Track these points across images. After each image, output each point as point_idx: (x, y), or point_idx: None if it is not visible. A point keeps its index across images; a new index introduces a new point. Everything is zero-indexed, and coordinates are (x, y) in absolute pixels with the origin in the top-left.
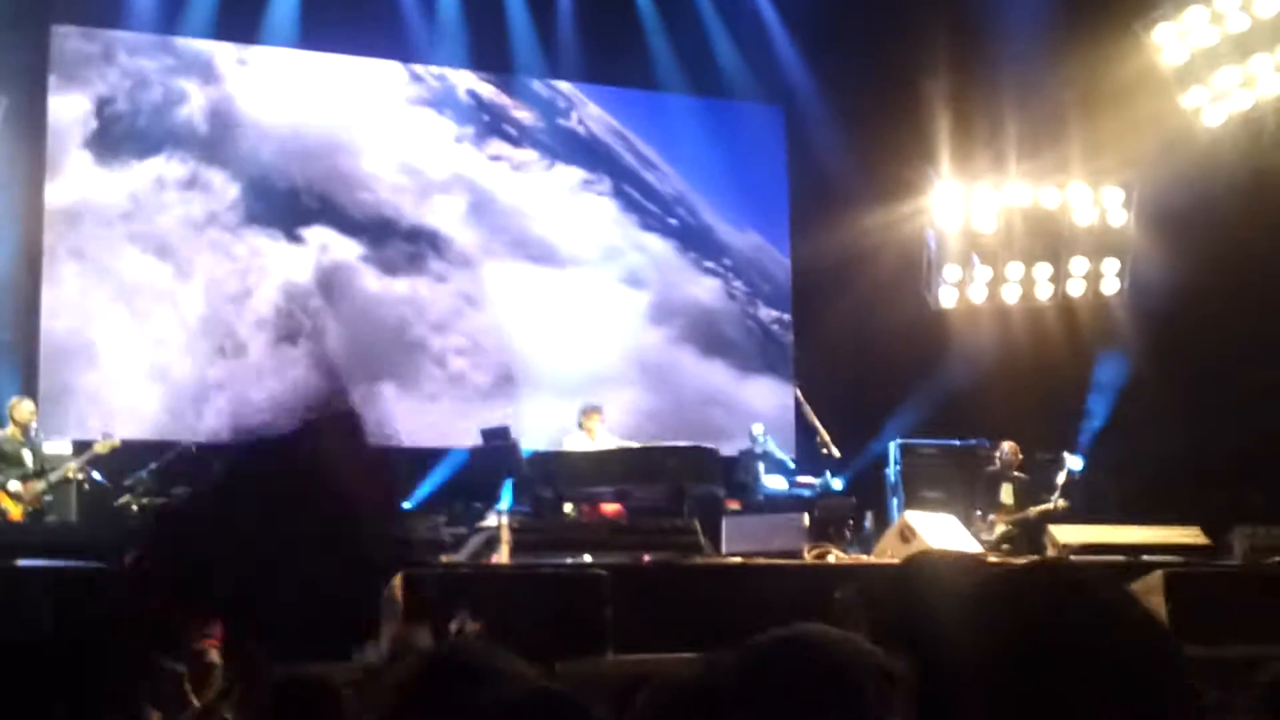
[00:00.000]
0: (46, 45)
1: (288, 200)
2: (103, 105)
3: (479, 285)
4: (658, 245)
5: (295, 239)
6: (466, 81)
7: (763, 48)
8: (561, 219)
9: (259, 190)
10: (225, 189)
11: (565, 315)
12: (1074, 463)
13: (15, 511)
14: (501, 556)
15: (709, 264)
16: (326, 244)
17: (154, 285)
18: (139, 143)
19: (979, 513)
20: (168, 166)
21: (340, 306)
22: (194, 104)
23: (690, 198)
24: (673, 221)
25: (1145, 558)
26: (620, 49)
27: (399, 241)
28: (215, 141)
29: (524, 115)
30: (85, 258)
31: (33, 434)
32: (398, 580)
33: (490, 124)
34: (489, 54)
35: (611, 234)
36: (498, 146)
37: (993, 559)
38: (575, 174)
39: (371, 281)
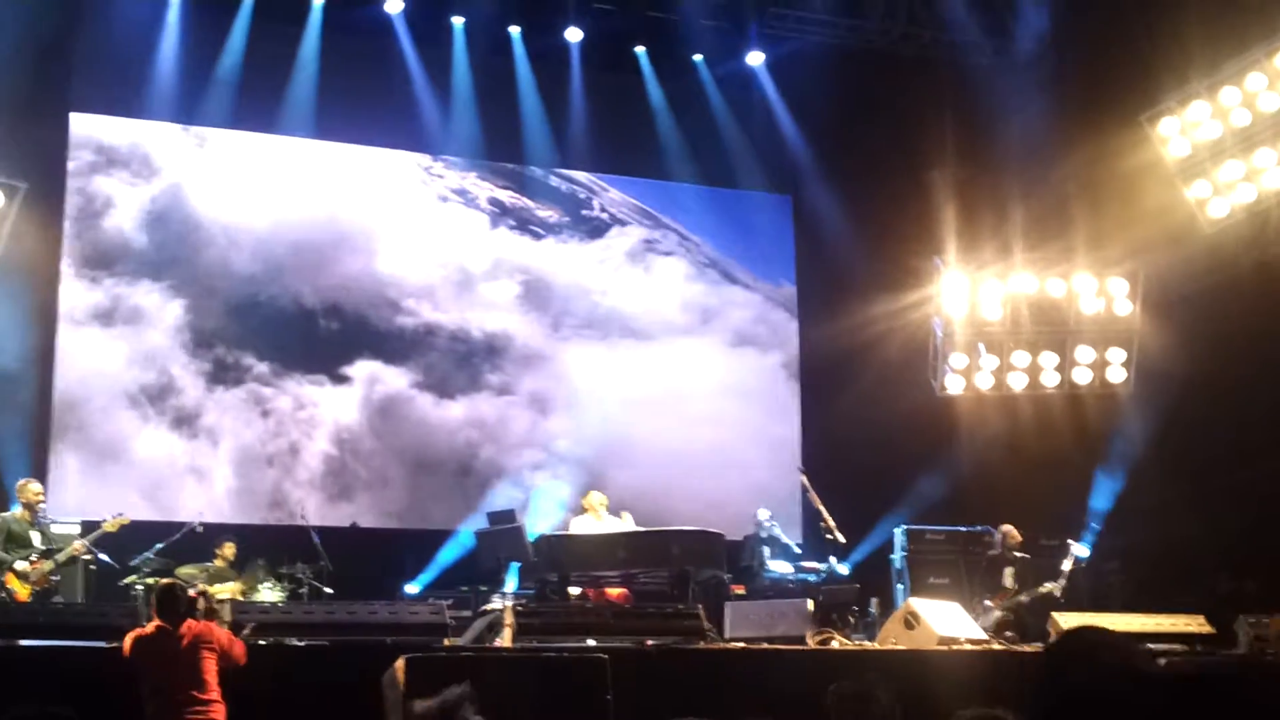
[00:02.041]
0: (66, 131)
1: (300, 323)
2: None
3: (551, 381)
4: (748, 297)
5: (340, 379)
6: (484, 190)
7: (772, 138)
8: (633, 286)
9: (244, 312)
10: (198, 318)
11: (674, 397)
12: (1080, 550)
13: (23, 592)
14: (505, 640)
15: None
16: (376, 376)
17: (173, 463)
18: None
19: (978, 597)
20: (144, 299)
21: (397, 443)
22: (143, 208)
23: (723, 263)
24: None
25: (1149, 646)
26: (631, 139)
27: (446, 348)
28: (176, 255)
29: (548, 214)
30: (89, 447)
31: (41, 515)
32: (400, 664)
33: (516, 228)
34: (502, 146)
35: (695, 292)
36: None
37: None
38: (636, 233)
39: (428, 409)
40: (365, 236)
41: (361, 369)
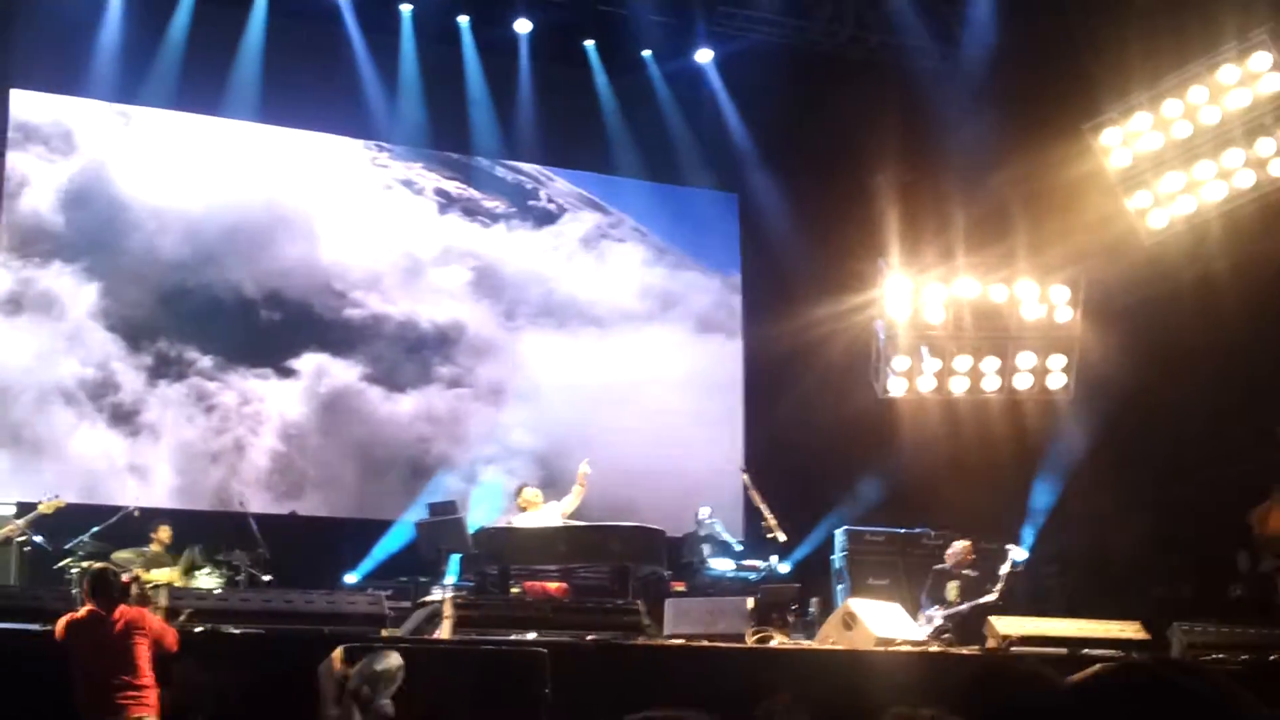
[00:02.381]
0: (5, 107)
1: (240, 313)
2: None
3: (505, 371)
4: (708, 282)
5: (285, 372)
6: (430, 181)
7: (719, 135)
8: (589, 272)
9: (177, 301)
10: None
11: (633, 387)
12: (1018, 554)
13: None
14: (444, 632)
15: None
16: (323, 368)
17: (110, 461)
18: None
19: (923, 608)
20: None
21: (346, 439)
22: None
23: (673, 251)
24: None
25: (1084, 651)
26: (578, 133)
27: (395, 338)
28: (99, 239)
29: (495, 204)
30: (21, 444)
31: None
32: (337, 654)
33: (465, 215)
34: (448, 135)
35: (654, 278)
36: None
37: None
38: (590, 218)
39: (378, 403)
40: (307, 223)
41: (308, 361)
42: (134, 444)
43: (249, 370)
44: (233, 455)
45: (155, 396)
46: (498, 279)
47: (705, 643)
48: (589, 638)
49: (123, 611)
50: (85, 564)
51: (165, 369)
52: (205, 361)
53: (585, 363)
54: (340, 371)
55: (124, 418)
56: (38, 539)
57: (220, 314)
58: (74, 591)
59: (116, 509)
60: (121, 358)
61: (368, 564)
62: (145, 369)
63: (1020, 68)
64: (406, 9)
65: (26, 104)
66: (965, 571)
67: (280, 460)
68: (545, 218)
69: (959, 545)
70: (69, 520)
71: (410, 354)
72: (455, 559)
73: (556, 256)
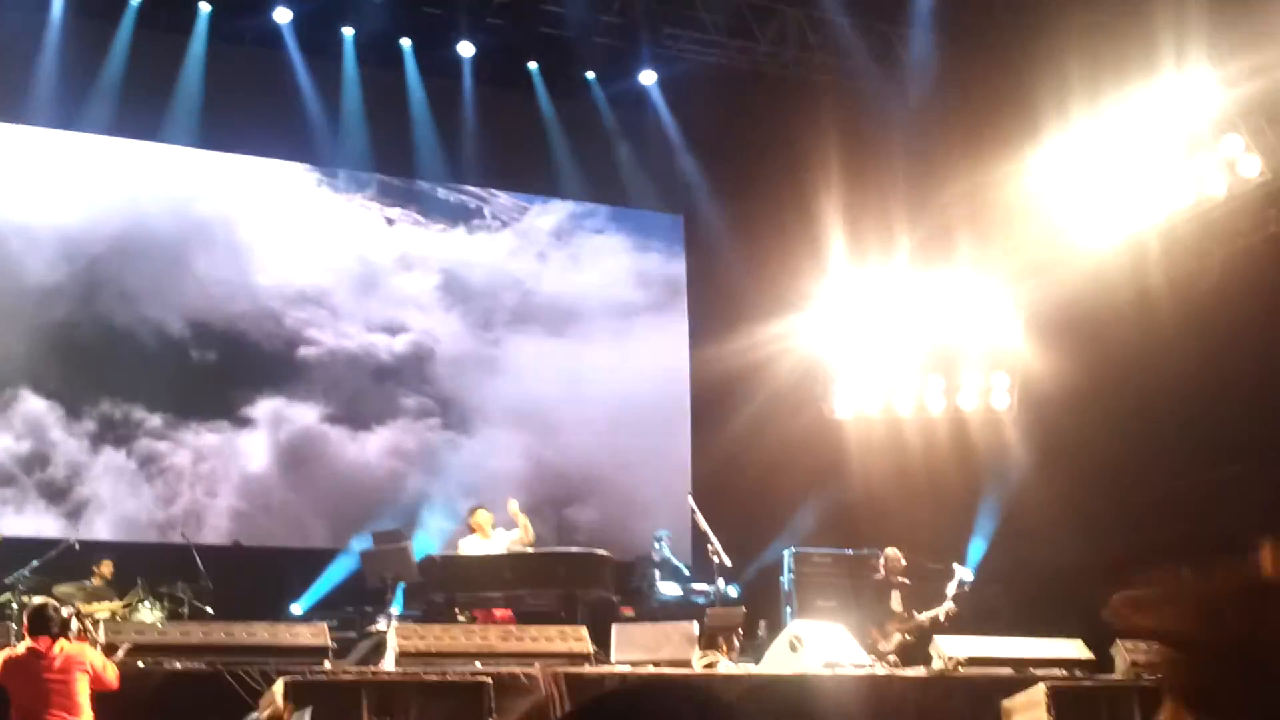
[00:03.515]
0: None
1: (164, 348)
2: None
3: (486, 385)
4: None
5: (240, 421)
6: (374, 211)
7: (664, 157)
8: (573, 268)
9: (101, 350)
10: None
11: (630, 388)
12: (964, 573)
13: None
14: (388, 663)
15: None
16: (280, 414)
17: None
18: None
19: (875, 624)
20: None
21: (313, 486)
22: None
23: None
24: None
25: (1030, 670)
26: (523, 155)
27: (357, 368)
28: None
29: (440, 226)
30: None
31: None
32: (279, 686)
33: (417, 224)
34: (391, 159)
35: (653, 266)
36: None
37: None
38: (561, 208)
39: (345, 446)
40: (253, 250)
41: (263, 407)
42: (69, 526)
43: (202, 425)
44: (189, 524)
45: (95, 468)
46: (464, 288)
47: (652, 669)
48: (535, 666)
49: (62, 647)
50: (25, 599)
51: (106, 433)
52: (154, 420)
53: (566, 372)
54: (300, 415)
55: (59, 494)
56: None
57: (154, 358)
58: (13, 628)
59: (56, 542)
60: (59, 427)
61: (314, 594)
62: (86, 436)
63: (962, 88)
64: (348, 32)
65: None
66: (901, 580)
67: (244, 520)
68: (496, 230)
69: (888, 552)
70: (7, 555)
71: (375, 383)
72: (401, 588)
73: (526, 256)
